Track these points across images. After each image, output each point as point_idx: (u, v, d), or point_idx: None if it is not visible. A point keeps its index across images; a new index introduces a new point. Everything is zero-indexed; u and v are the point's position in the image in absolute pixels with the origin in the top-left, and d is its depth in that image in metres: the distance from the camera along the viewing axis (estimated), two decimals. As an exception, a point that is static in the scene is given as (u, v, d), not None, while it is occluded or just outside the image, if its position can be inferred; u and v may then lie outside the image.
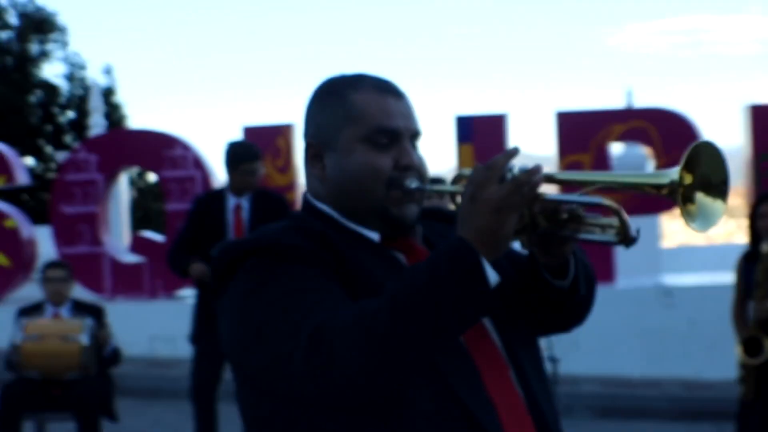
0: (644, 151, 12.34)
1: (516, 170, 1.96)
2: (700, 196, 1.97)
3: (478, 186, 1.95)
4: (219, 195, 7.37)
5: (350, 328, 1.87)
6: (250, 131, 11.99)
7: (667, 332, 10.40)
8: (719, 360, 9.33)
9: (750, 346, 6.50)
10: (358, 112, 2.19)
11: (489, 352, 2.13)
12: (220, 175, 11.13)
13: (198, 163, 12.35)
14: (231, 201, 7.21)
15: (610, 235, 2.11)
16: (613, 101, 22.18)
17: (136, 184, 31.20)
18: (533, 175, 1.94)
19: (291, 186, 11.98)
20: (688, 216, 1.97)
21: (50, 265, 7.86)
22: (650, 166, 12.27)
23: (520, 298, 2.21)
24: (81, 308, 7.56)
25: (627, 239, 2.06)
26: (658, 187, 1.98)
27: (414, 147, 2.23)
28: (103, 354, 7.26)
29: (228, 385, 6.83)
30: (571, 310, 2.31)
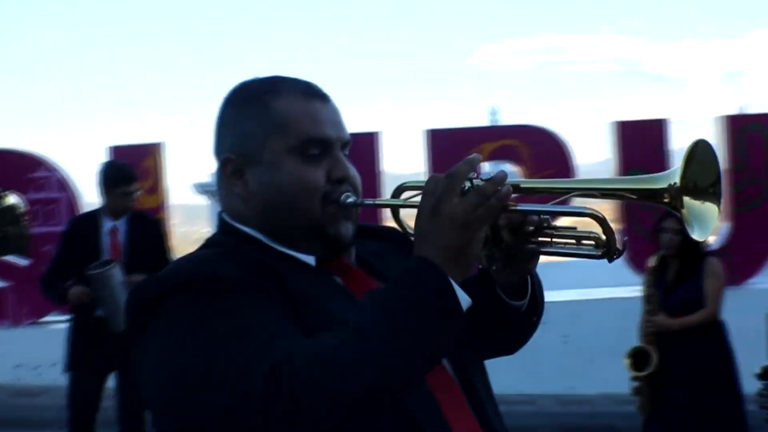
0: (511, 168, 12.42)
1: (478, 180, 1.79)
2: (689, 201, 1.81)
3: (439, 198, 1.76)
4: (93, 217, 7.31)
5: (312, 366, 1.66)
6: (117, 151, 11.78)
7: (540, 349, 10.39)
8: (593, 375, 9.42)
9: (638, 358, 6.62)
10: (283, 120, 2.00)
11: (443, 377, 1.99)
12: (87, 197, 11.05)
13: (63, 185, 12.08)
14: (107, 223, 7.18)
15: (588, 249, 1.94)
16: (480, 119, 22.69)
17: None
18: (500, 184, 1.77)
19: (160, 207, 11.85)
20: (687, 224, 1.81)
21: None
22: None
23: (471, 318, 1.98)
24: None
25: (612, 252, 1.88)
26: (654, 192, 1.83)
27: (346, 156, 2.06)
28: None
29: (106, 413, 7.15)
30: (522, 331, 2.23)
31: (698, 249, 6.61)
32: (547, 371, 10.35)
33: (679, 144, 11.29)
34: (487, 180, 1.77)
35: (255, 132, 2.01)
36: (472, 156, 1.82)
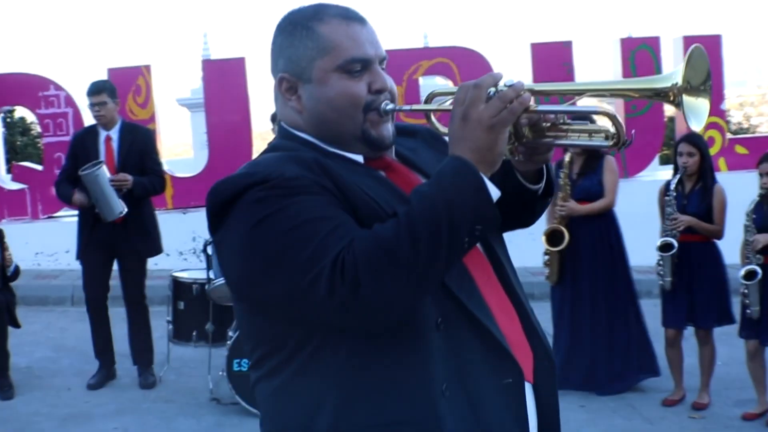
0: (442, 81, 12.75)
1: (502, 87, 1.86)
2: (687, 98, 1.84)
3: (468, 105, 1.85)
4: (92, 129, 7.53)
5: (373, 254, 1.75)
6: (112, 72, 11.84)
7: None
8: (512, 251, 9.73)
9: (552, 237, 6.95)
10: (329, 44, 2.03)
11: (476, 256, 2.08)
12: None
13: (69, 102, 12.29)
14: (102, 134, 7.41)
15: (599, 140, 2.00)
16: (414, 41, 22.10)
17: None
18: (520, 90, 1.85)
19: (152, 118, 12.04)
20: (685, 117, 1.86)
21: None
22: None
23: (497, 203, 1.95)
24: (-19, 234, 7.68)
25: (620, 142, 1.95)
26: (659, 91, 1.87)
27: (383, 70, 2.10)
28: (6, 272, 7.37)
29: (115, 290, 7.43)
30: (537, 209, 2.31)
31: (597, 151, 6.82)
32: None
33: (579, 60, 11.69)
34: (509, 86, 1.84)
35: (304, 55, 2.04)
36: (497, 72, 1.91)
